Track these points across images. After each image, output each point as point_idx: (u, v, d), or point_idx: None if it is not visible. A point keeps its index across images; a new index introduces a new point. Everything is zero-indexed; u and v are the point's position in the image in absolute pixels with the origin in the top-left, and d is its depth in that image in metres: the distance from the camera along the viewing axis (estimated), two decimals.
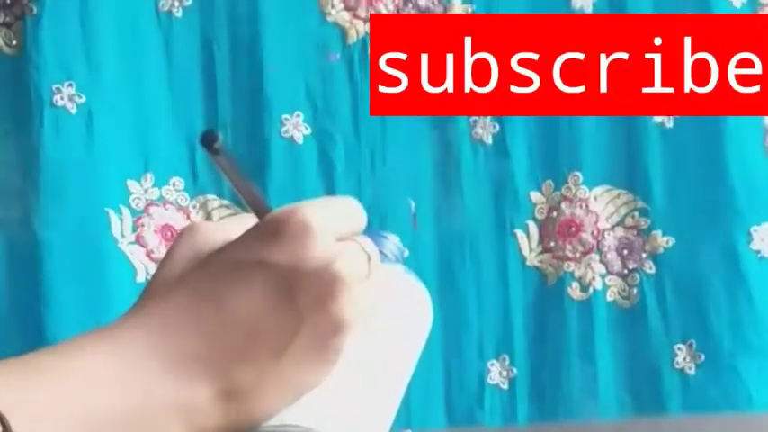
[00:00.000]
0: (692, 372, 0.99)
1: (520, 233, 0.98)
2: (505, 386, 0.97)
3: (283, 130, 0.95)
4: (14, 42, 0.92)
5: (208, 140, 0.39)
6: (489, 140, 0.98)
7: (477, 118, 0.98)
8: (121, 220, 0.93)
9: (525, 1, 0.97)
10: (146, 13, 0.94)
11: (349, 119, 0.96)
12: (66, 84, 0.91)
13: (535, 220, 0.99)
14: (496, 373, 0.97)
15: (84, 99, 0.92)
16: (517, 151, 0.98)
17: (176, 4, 0.95)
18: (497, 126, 0.98)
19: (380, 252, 0.44)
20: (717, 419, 0.98)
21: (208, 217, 0.94)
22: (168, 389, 0.37)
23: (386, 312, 0.43)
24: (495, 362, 0.97)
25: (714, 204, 0.99)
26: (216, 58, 0.95)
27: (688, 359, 0.99)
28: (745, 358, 0.98)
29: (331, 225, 0.40)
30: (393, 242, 0.48)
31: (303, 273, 0.39)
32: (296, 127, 0.95)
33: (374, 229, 0.44)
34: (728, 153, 0.98)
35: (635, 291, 0.99)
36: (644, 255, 1.00)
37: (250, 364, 0.39)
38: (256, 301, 0.39)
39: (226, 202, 0.95)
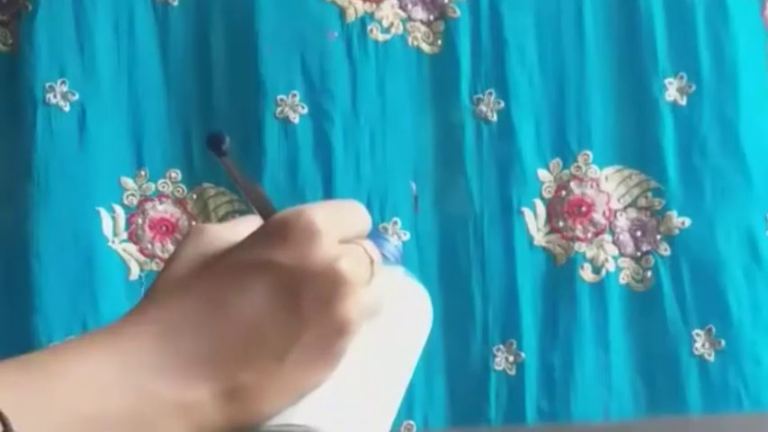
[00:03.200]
0: (712, 359, 0.94)
1: (527, 211, 0.95)
2: (513, 372, 0.94)
3: (278, 110, 0.94)
4: (10, 41, 0.93)
5: (215, 142, 0.40)
6: (494, 117, 0.95)
7: (481, 95, 0.95)
8: (113, 218, 0.94)
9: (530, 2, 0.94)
10: (141, 4, 0.94)
11: (348, 98, 0.95)
12: (60, 81, 0.92)
13: (542, 198, 0.96)
14: (503, 359, 0.94)
15: (77, 96, 0.93)
16: (524, 128, 0.95)
17: None
18: (502, 103, 0.95)
19: (381, 254, 0.44)
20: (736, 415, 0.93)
21: (205, 206, 0.94)
22: (169, 390, 0.38)
23: (387, 314, 0.43)
24: (501, 347, 0.95)
25: (731, 186, 0.95)
26: (212, 42, 0.94)
27: (707, 345, 0.94)
28: (766, 345, 0.94)
29: (336, 228, 0.40)
30: (393, 244, 0.48)
31: (308, 274, 0.39)
32: (292, 107, 0.94)
33: (375, 230, 0.44)
34: (743, 136, 0.95)
35: (649, 274, 0.96)
36: (658, 236, 0.96)
37: (252, 366, 0.39)
38: (260, 302, 0.39)
39: (222, 189, 0.94)
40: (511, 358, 0.94)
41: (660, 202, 0.96)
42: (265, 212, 0.42)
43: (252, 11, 0.94)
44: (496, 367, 0.94)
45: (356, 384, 0.42)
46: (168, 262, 0.42)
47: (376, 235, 0.44)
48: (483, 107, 0.95)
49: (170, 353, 0.38)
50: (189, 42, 0.95)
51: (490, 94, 0.95)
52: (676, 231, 0.95)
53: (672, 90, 0.96)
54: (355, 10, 0.95)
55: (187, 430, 0.38)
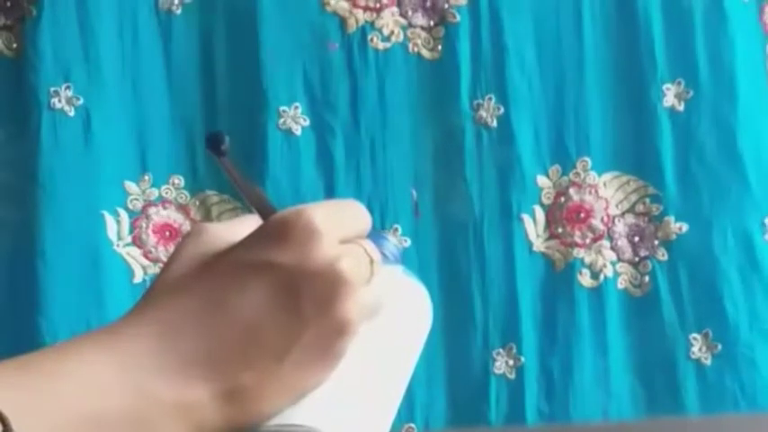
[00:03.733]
0: (709, 362, 0.95)
1: (526, 218, 0.96)
2: (512, 376, 0.95)
3: (281, 121, 0.95)
4: (15, 45, 0.94)
5: (214, 142, 0.39)
6: (494, 123, 0.96)
7: (481, 101, 0.96)
8: (118, 222, 0.94)
9: (529, 3, 0.95)
10: (145, 12, 0.94)
11: (348, 109, 0.95)
12: (65, 86, 0.93)
13: (542, 205, 0.97)
14: (502, 363, 0.95)
15: (81, 101, 0.93)
16: (523, 134, 0.96)
17: (176, 1, 0.95)
18: (502, 108, 0.96)
19: (381, 253, 0.44)
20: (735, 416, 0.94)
21: (207, 212, 0.95)
22: (168, 390, 0.38)
23: (386, 314, 0.43)
24: (501, 351, 0.96)
25: (728, 191, 0.96)
26: (215, 52, 0.95)
27: (704, 349, 0.95)
28: (763, 348, 0.94)
29: (336, 228, 0.40)
30: (392, 243, 0.47)
31: (308, 274, 0.39)
32: (294, 119, 0.95)
33: (375, 229, 0.44)
34: (741, 141, 0.95)
35: (647, 279, 0.96)
36: (656, 242, 0.96)
37: (252, 367, 0.39)
38: (260, 303, 0.39)
39: (225, 196, 0.95)
40: (511, 362, 0.95)
41: (658, 208, 0.97)
42: (264, 212, 0.42)
43: (254, 20, 0.94)
44: (496, 371, 0.95)
45: (356, 384, 0.41)
46: (168, 262, 0.42)
47: (375, 234, 0.44)
48: (483, 113, 0.96)
49: (169, 353, 0.38)
50: (192, 50, 0.95)
51: (490, 99, 0.96)
52: (674, 237, 0.96)
53: (670, 96, 0.97)
54: (356, 20, 0.96)
55: (187, 430, 0.38)
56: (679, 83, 0.97)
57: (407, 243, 0.95)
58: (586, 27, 0.97)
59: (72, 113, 0.93)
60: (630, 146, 0.97)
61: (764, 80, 0.98)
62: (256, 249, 0.40)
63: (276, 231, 0.40)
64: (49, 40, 0.92)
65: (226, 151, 0.39)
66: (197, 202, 0.96)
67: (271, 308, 0.39)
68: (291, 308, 0.39)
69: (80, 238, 0.92)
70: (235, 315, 0.39)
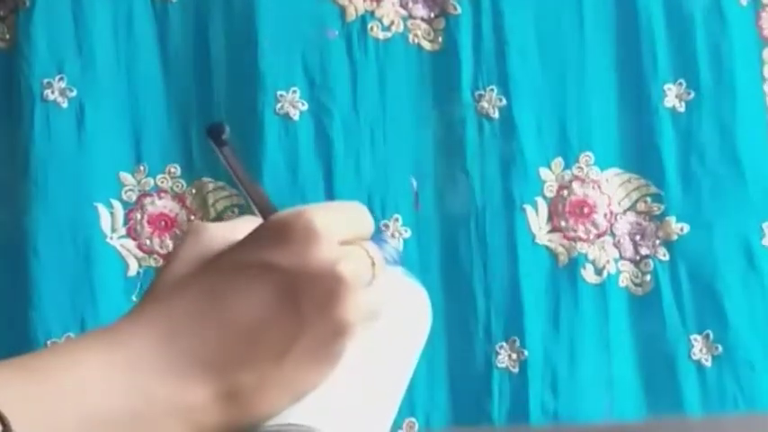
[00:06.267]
0: (709, 364, 0.94)
1: (529, 209, 0.95)
2: (516, 369, 0.93)
3: (278, 106, 0.93)
4: (8, 36, 0.93)
5: (215, 132, 0.40)
6: (496, 114, 0.95)
7: (482, 91, 0.95)
8: (112, 214, 0.92)
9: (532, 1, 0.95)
10: (140, 1, 0.93)
11: (347, 94, 0.94)
12: (58, 77, 0.92)
13: (544, 197, 0.96)
14: (505, 357, 0.93)
15: (75, 93, 0.92)
16: (525, 126, 0.95)
17: None
18: (504, 99, 0.95)
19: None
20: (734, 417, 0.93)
21: (204, 201, 0.93)
22: (168, 390, 0.38)
23: (386, 315, 0.43)
24: (504, 344, 0.93)
25: (728, 194, 0.95)
26: (211, 38, 0.94)
27: (705, 350, 0.94)
28: (762, 351, 0.94)
29: (337, 229, 0.40)
30: (392, 245, 0.48)
31: (307, 276, 0.39)
32: (291, 103, 0.94)
33: (375, 232, 0.43)
34: (740, 145, 0.96)
35: (648, 278, 0.95)
36: (657, 241, 0.96)
37: (251, 367, 0.39)
38: (259, 304, 0.39)
39: (221, 183, 0.93)
40: (514, 356, 0.93)
41: (659, 208, 0.96)
42: (264, 210, 0.42)
43: (252, 6, 0.93)
44: (499, 365, 0.93)
45: (356, 384, 0.42)
46: (167, 261, 0.42)
47: (375, 236, 0.44)
48: (485, 103, 0.95)
49: (169, 354, 0.38)
50: (188, 38, 0.94)
51: (492, 90, 0.95)
52: (675, 237, 0.96)
53: (671, 96, 0.97)
54: (355, 9, 0.95)
55: (186, 430, 0.38)
56: (680, 84, 0.97)
57: (408, 233, 0.94)
58: (588, 23, 0.97)
59: (65, 105, 0.92)
60: (632, 144, 0.97)
61: (760, 85, 0.98)
62: (256, 250, 0.40)
63: (276, 232, 0.40)
64: (42, 31, 0.92)
65: (227, 141, 0.39)
66: (193, 191, 0.94)
67: (270, 309, 0.39)
68: (290, 309, 0.39)
69: (73, 231, 0.90)
70: (234, 316, 0.39)
